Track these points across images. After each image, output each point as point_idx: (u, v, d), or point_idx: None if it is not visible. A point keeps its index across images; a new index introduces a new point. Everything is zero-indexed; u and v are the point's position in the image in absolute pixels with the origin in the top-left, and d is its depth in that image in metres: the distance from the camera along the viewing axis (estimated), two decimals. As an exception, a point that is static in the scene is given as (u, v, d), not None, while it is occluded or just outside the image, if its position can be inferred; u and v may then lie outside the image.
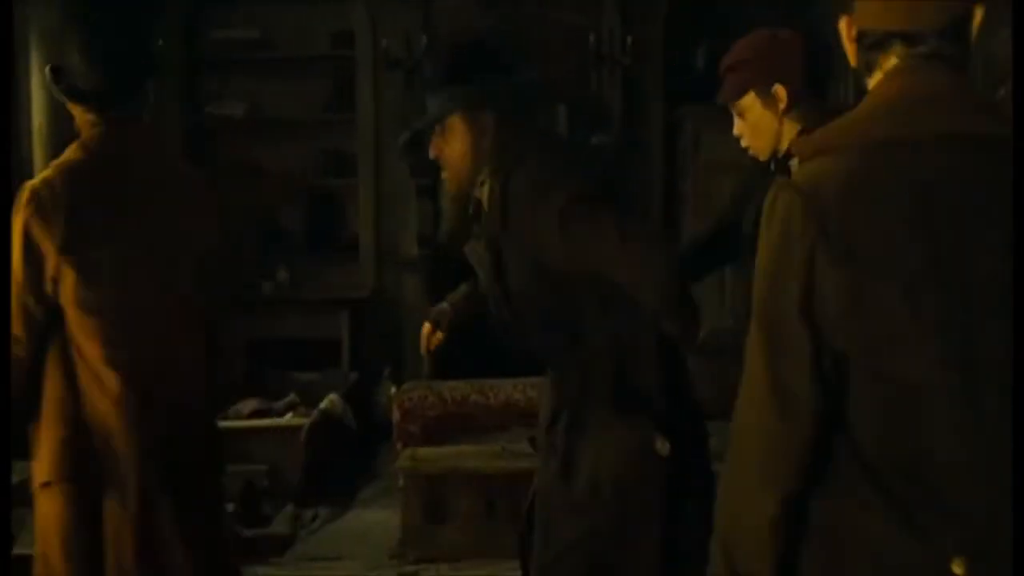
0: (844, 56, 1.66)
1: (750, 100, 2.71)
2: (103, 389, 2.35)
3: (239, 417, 5.33)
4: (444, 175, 2.62)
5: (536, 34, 6.29)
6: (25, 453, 2.46)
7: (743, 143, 2.79)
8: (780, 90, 2.68)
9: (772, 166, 2.76)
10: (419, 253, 6.32)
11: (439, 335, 2.87)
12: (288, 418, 5.41)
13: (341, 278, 6.76)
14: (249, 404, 5.44)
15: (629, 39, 6.31)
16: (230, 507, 4.44)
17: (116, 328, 2.35)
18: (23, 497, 2.57)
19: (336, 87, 6.81)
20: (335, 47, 6.77)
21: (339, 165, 6.86)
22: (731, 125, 2.82)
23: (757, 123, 2.73)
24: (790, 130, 2.71)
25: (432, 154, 2.58)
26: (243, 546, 4.35)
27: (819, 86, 2.77)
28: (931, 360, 1.49)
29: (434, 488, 4.44)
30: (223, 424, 5.17)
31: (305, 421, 5.26)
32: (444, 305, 2.88)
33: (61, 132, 5.69)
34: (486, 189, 2.53)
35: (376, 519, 4.90)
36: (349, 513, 5.03)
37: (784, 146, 2.73)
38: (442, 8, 6.32)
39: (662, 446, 2.44)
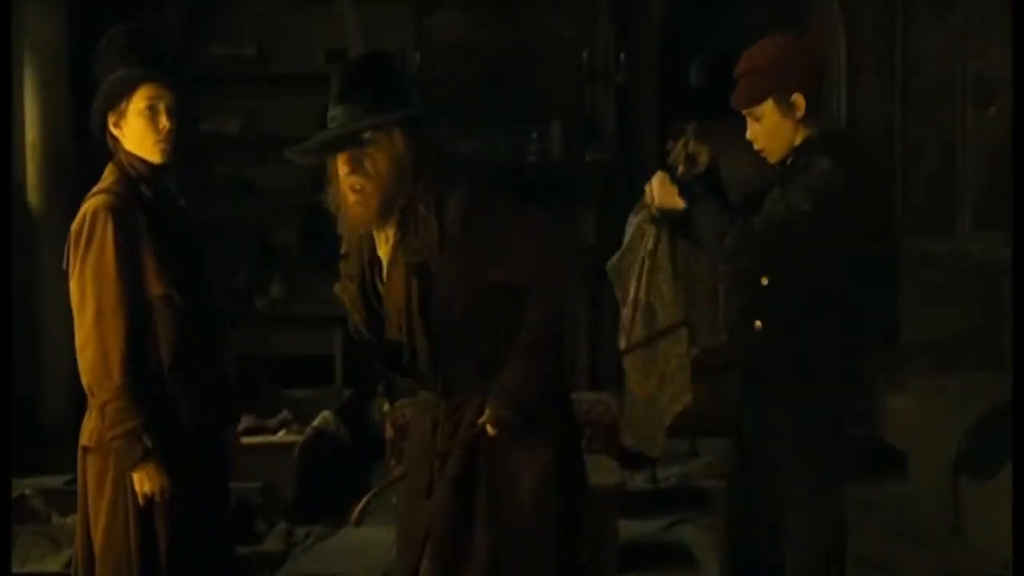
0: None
1: (768, 107, 2.69)
2: None
3: (232, 434, 5.30)
4: (354, 198, 2.53)
5: (530, 50, 6.30)
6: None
7: (756, 146, 2.78)
8: (799, 100, 2.68)
9: (779, 170, 2.77)
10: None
11: None
12: (281, 435, 5.38)
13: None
14: (242, 421, 5.41)
15: (623, 55, 6.32)
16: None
17: None
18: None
19: (331, 104, 6.79)
20: (330, 64, 6.76)
21: (333, 181, 6.82)
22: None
23: (774, 130, 2.70)
24: (800, 135, 2.71)
25: (345, 170, 2.54)
26: (236, 564, 4.31)
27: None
28: None
29: (428, 505, 4.40)
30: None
31: (298, 438, 5.23)
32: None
33: (54, 147, 5.73)
34: (414, 213, 2.46)
35: (370, 536, 4.85)
36: (343, 530, 4.99)
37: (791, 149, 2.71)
38: (436, 25, 6.33)
39: None
